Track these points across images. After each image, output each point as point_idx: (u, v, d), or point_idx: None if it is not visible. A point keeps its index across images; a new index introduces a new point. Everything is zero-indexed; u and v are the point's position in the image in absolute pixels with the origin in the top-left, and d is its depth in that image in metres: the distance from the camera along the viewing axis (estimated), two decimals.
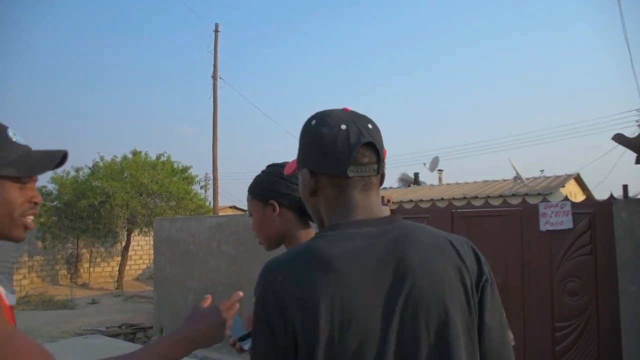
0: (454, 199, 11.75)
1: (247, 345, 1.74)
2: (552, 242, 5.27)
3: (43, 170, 1.24)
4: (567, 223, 5.17)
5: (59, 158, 1.26)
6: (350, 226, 1.05)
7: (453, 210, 5.93)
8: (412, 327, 0.97)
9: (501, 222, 5.57)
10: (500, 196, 11.02)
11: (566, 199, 5.57)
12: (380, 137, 1.13)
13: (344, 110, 1.16)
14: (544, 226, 5.29)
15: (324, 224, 1.15)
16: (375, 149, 1.09)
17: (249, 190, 1.71)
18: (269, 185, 1.66)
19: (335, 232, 1.05)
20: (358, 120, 1.11)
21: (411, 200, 11.77)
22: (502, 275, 5.41)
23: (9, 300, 1.24)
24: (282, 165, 1.69)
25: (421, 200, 11.75)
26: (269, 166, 1.73)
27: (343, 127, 1.09)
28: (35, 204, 1.24)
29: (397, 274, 0.99)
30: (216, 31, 17.67)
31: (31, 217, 1.25)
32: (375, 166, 1.10)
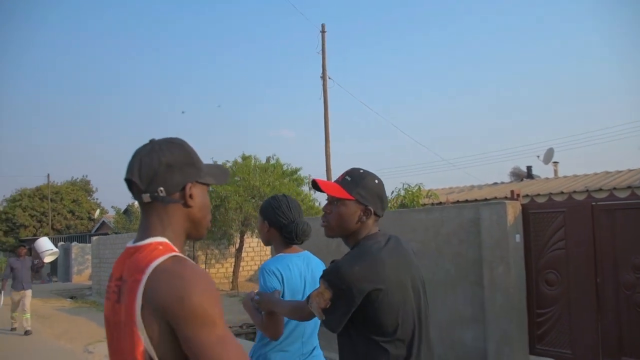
0: (574, 192, 11.00)
1: None
2: None
3: (225, 180, 1.44)
4: None
5: (228, 173, 1.47)
6: (374, 237, 1.88)
7: (593, 203, 5.49)
8: (419, 290, 1.87)
9: None
10: (629, 187, 10.18)
11: None
12: None
13: None
14: None
15: (348, 237, 1.93)
16: None
17: (260, 213, 2.59)
18: (269, 212, 2.53)
19: (372, 241, 1.86)
20: None
21: (527, 195, 11.15)
22: None
23: None
24: (280, 199, 2.57)
25: (561, 193, 11.05)
26: (272, 197, 2.57)
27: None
28: None
29: (409, 262, 1.88)
30: (323, 32, 17.95)
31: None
32: None
